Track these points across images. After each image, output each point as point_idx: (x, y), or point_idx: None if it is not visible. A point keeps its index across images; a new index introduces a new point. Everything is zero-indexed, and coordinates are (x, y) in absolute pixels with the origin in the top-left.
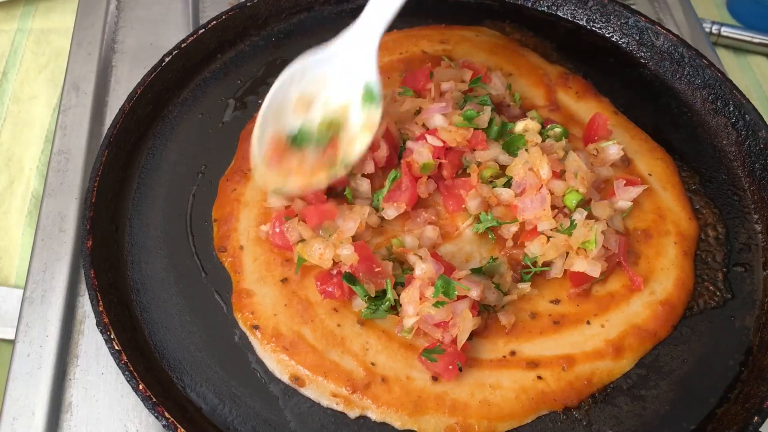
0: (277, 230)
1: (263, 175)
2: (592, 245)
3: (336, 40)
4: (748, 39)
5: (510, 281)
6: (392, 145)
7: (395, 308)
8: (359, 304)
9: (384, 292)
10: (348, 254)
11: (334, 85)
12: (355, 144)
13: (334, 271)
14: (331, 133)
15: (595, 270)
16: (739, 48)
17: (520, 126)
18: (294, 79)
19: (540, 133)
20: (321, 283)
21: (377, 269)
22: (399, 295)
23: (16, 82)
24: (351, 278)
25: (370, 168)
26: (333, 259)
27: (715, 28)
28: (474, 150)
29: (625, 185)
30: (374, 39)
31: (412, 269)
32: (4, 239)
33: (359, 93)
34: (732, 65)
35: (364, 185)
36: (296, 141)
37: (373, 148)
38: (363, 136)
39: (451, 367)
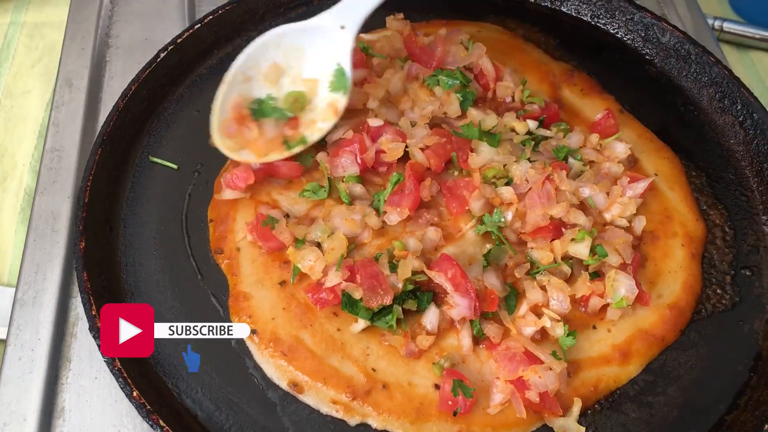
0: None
1: (218, 140)
2: (623, 303)
3: (319, 15)
4: (751, 35)
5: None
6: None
7: (400, 326)
8: (360, 326)
9: (385, 307)
10: (335, 280)
11: (308, 59)
12: (315, 125)
13: (324, 282)
14: (295, 108)
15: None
16: (741, 44)
17: (502, 121)
18: (269, 46)
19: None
20: (312, 293)
21: (381, 290)
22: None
23: (9, 77)
24: (351, 302)
25: (353, 169)
26: (323, 272)
27: (717, 24)
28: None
29: (630, 182)
30: (356, 21)
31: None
32: None
33: (331, 73)
34: (734, 61)
35: (357, 189)
36: (259, 111)
37: (361, 150)
38: (325, 121)
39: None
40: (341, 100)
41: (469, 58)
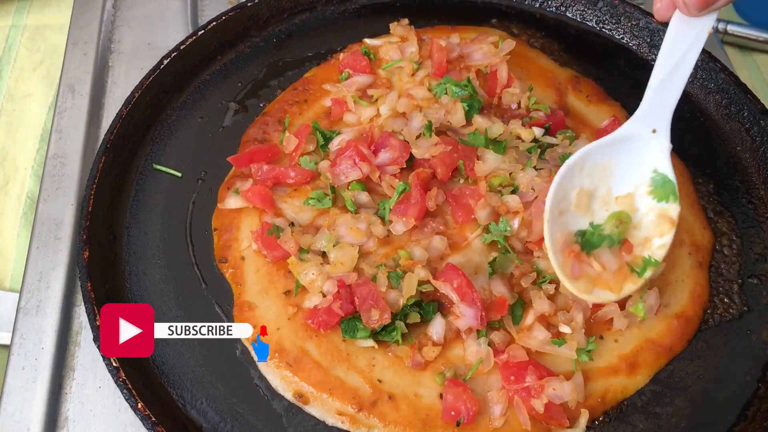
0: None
1: (570, 286)
2: (641, 313)
3: (624, 125)
4: (754, 37)
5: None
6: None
7: (406, 339)
8: (367, 343)
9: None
10: (328, 296)
11: (615, 176)
12: (651, 243)
13: (319, 305)
14: (622, 229)
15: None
16: (744, 46)
17: (508, 129)
18: (573, 171)
19: (540, 142)
20: (312, 319)
21: (379, 309)
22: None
23: (10, 80)
24: (350, 327)
25: (354, 174)
26: (323, 293)
27: (720, 26)
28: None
29: None
30: (666, 120)
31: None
32: None
33: (646, 183)
34: (738, 63)
35: (363, 197)
36: (586, 243)
37: (359, 156)
38: (662, 235)
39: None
40: (673, 208)
41: (501, 52)
